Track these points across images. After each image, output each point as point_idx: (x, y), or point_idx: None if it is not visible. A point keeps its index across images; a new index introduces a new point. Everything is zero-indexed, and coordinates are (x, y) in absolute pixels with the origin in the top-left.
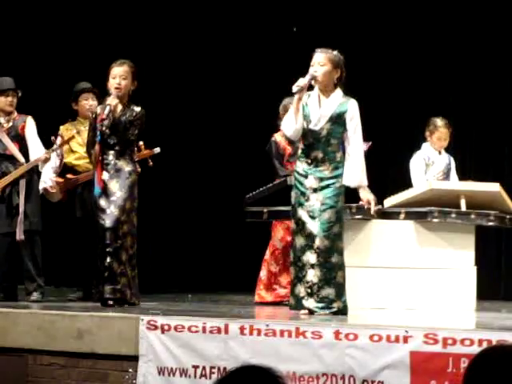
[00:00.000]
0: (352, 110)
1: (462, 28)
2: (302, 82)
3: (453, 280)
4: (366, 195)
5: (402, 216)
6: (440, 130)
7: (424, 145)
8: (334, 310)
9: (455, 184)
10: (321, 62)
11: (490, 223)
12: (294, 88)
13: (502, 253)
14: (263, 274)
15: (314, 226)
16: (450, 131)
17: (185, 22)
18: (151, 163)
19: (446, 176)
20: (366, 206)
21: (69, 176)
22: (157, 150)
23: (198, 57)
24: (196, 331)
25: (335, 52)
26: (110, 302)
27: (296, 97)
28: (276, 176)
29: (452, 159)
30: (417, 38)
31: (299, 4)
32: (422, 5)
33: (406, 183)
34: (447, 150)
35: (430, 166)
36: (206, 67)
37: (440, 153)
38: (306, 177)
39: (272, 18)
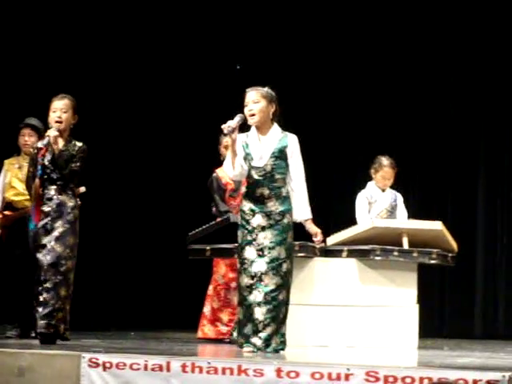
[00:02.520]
0: (292, 144)
1: (401, 68)
2: (232, 122)
3: (395, 318)
4: (314, 228)
5: (345, 254)
6: (384, 170)
7: (369, 183)
8: (278, 347)
9: (397, 222)
10: (254, 99)
11: (433, 261)
12: (225, 129)
13: (444, 291)
14: (207, 309)
15: (262, 264)
16: (395, 171)
17: (128, 54)
18: (79, 202)
19: (391, 214)
20: (316, 240)
21: (6, 213)
22: (82, 189)
23: (141, 91)
24: (138, 369)
25: (266, 88)
26: (43, 337)
27: (230, 140)
28: (216, 211)
29: (399, 196)
30: (359, 76)
31: (243, 42)
32: (353, 51)
33: (350, 221)
34: (394, 187)
35: (373, 204)
36: (150, 103)
37: (384, 191)
38: (253, 215)
39: (216, 54)
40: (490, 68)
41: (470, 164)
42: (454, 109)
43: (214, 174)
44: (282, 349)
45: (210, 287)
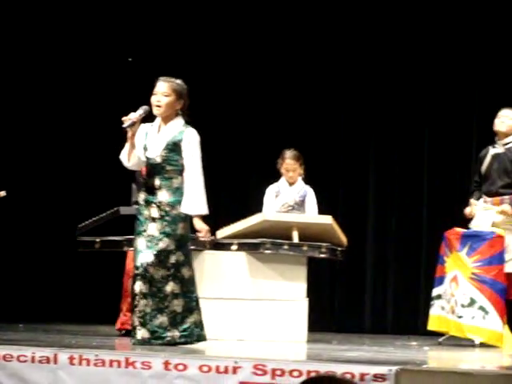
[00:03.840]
0: (189, 137)
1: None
2: (134, 115)
3: (284, 311)
4: (201, 225)
5: (235, 247)
6: (287, 162)
7: (282, 177)
8: (168, 339)
9: (288, 216)
10: (164, 92)
11: (322, 255)
12: (125, 122)
13: (334, 285)
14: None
15: (149, 255)
16: (299, 163)
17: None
18: None
19: (293, 208)
20: (200, 235)
21: None
22: (2, 193)
23: (35, 87)
24: (25, 361)
25: (179, 81)
26: None
27: (129, 133)
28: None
29: (309, 191)
30: (257, 70)
31: (135, 34)
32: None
33: (243, 214)
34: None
35: (278, 198)
36: (41, 97)
37: (292, 184)
38: (145, 206)
39: (108, 47)
40: (377, 69)
41: (361, 159)
42: (348, 104)
43: None
44: (189, 342)
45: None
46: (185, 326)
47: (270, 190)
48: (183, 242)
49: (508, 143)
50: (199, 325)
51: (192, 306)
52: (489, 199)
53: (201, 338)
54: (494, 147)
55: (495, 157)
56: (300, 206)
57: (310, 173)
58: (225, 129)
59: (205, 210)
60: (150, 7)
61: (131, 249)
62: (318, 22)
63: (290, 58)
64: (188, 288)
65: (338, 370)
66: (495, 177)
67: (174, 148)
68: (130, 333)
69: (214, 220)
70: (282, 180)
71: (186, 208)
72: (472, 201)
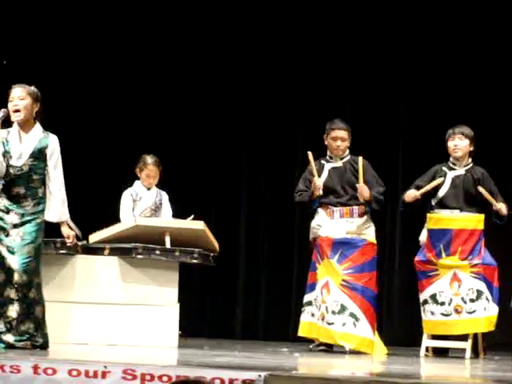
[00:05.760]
0: (52, 145)
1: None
2: None
3: (156, 316)
4: (67, 230)
5: (107, 252)
6: (149, 168)
7: (136, 182)
8: (35, 344)
9: (160, 221)
10: (20, 95)
11: (194, 261)
12: None
13: (206, 290)
14: None
15: (13, 261)
16: (160, 169)
17: None
18: None
19: (155, 212)
20: (68, 241)
21: None
22: None
23: None
24: None
25: (33, 87)
26: None
27: None
28: None
29: (164, 194)
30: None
31: (9, 37)
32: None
33: (114, 219)
34: (159, 186)
35: (138, 203)
36: None
37: (149, 189)
38: (7, 212)
39: None
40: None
41: (234, 166)
42: (222, 115)
43: None
44: (45, 347)
45: None
46: (45, 331)
47: (127, 195)
48: (40, 250)
49: (344, 157)
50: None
51: (44, 311)
52: (337, 208)
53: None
54: (329, 162)
55: (334, 170)
56: (158, 209)
57: (183, 177)
58: (86, 132)
59: (67, 217)
60: (26, 10)
61: None
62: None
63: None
64: (42, 294)
65: (208, 375)
66: (341, 189)
67: (39, 156)
68: None
69: (87, 224)
70: (138, 184)
71: (49, 215)
72: None
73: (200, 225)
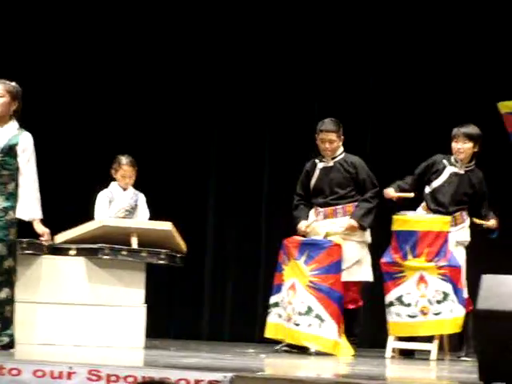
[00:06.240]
0: (24, 142)
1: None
2: None
3: (123, 317)
4: (42, 228)
5: (73, 252)
6: (124, 168)
7: (112, 183)
8: (0, 343)
9: (127, 222)
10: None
11: (161, 261)
12: None
13: (173, 291)
14: None
15: None
16: (135, 169)
17: None
18: None
19: (130, 213)
20: (43, 239)
21: None
22: None
23: None
24: None
25: (13, 83)
26: None
27: None
28: None
29: (141, 196)
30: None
31: None
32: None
33: (82, 219)
34: (136, 186)
35: (113, 203)
36: None
37: (125, 190)
38: None
39: None
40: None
41: (201, 166)
42: (191, 116)
43: None
44: (11, 347)
45: None
46: (11, 331)
47: (103, 196)
48: (14, 248)
49: (336, 157)
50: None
51: (13, 311)
52: (322, 209)
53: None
54: (321, 161)
55: (325, 170)
56: (134, 210)
57: (149, 178)
58: (60, 131)
59: (40, 215)
60: None
61: None
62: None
63: None
64: (13, 295)
65: (174, 376)
66: (328, 189)
67: (9, 152)
68: None
69: (56, 225)
70: (114, 185)
71: (21, 213)
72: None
73: (167, 226)
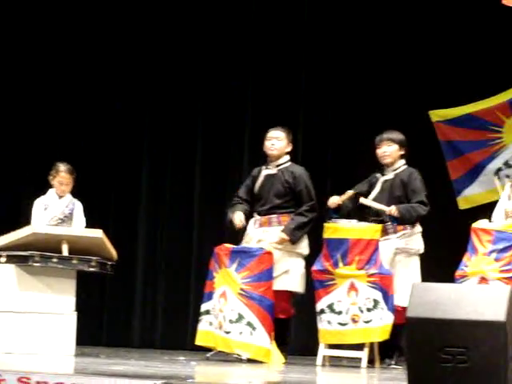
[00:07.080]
0: None
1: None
2: None
3: (53, 325)
4: None
5: (4, 259)
6: (61, 175)
7: (50, 190)
8: None
9: (58, 229)
10: None
11: (92, 269)
12: None
13: (103, 299)
14: None
15: None
16: (73, 176)
17: None
18: None
19: (63, 221)
20: None
21: None
22: None
23: None
24: None
25: None
26: None
27: None
28: None
29: (77, 204)
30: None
31: None
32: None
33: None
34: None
35: (47, 211)
36: None
37: (61, 197)
38: None
39: None
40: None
41: (133, 174)
42: (124, 119)
43: None
44: None
45: None
46: None
47: (39, 203)
48: None
49: (280, 165)
50: None
51: None
52: (259, 217)
53: None
54: (266, 168)
55: (268, 178)
56: (69, 218)
57: (82, 185)
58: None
59: None
60: None
61: None
62: None
63: None
64: None
65: (103, 383)
66: (267, 197)
67: None
68: None
69: None
70: (51, 192)
71: None
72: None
73: (98, 233)
